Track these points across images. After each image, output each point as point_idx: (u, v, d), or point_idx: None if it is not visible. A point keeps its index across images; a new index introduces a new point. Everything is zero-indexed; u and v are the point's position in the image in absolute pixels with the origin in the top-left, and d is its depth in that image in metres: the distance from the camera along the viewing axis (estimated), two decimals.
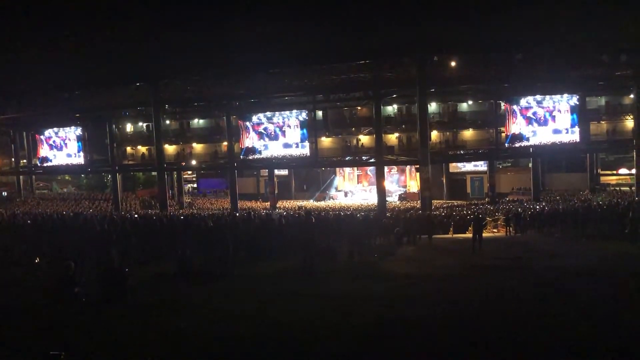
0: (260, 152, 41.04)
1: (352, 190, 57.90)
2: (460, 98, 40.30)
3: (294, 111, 40.12)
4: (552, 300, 10.58)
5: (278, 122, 40.35)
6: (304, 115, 39.91)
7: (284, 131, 40.24)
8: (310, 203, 51.06)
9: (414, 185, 54.38)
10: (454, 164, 52.23)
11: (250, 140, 41.12)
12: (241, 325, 8.96)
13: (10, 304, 10.26)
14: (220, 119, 45.05)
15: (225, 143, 44.05)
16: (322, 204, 49.78)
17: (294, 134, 40.09)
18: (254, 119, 40.86)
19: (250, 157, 41.79)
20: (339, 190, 58.40)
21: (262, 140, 40.87)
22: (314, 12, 26.89)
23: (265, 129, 40.63)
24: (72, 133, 46.55)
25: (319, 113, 41.12)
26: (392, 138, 41.38)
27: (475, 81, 37.36)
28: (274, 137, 40.49)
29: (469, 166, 52.39)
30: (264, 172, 54.83)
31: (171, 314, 9.77)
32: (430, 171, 36.19)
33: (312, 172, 56.83)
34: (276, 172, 53.89)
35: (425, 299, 10.82)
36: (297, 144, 39.96)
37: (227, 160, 43.87)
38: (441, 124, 40.67)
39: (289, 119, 40.11)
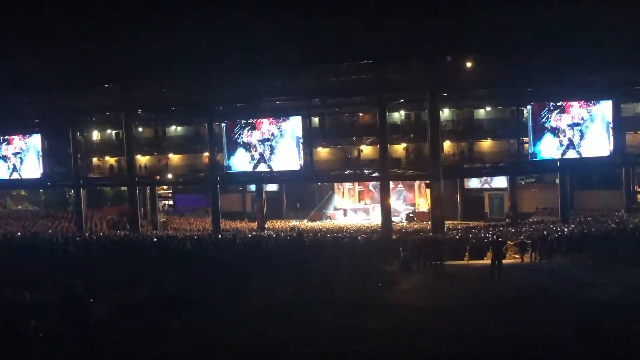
0: (247, 165, 41.18)
1: (352, 208, 57.89)
2: (477, 104, 40.53)
3: (287, 118, 40.39)
4: (584, 340, 10.49)
5: (268, 130, 40.53)
6: (298, 122, 40.16)
7: (275, 140, 40.43)
8: (304, 223, 50.97)
9: (423, 204, 54.38)
10: (469, 180, 52.37)
11: (235, 150, 41.32)
12: None
13: None
14: (201, 126, 45.12)
15: (206, 154, 44.08)
16: (317, 224, 49.69)
17: (286, 143, 40.30)
18: (241, 125, 41.06)
19: (236, 171, 41.90)
20: (338, 209, 58.30)
21: (249, 151, 41.04)
22: (309, 6, 27.26)
23: (253, 137, 40.81)
24: (29, 142, 46.59)
25: (315, 120, 41.21)
26: (399, 149, 41.52)
27: (494, 85, 37.57)
28: (263, 147, 40.67)
29: (486, 182, 52.57)
30: (251, 187, 54.71)
31: (142, 352, 9.72)
32: (443, 187, 36.26)
33: (307, 188, 56.73)
34: (265, 187, 53.84)
35: (432, 336, 10.75)
36: (289, 155, 40.16)
37: (208, 174, 43.82)
38: (455, 133, 40.85)
39: (280, 127, 40.32)
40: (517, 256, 25.24)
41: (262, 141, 40.78)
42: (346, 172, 44.91)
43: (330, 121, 42.37)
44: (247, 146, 41.14)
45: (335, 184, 58.13)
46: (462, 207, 52.22)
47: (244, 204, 59.03)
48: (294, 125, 40.29)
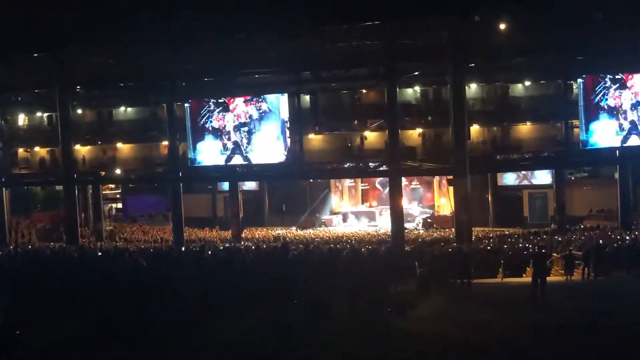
0: (218, 157, 41.17)
1: (354, 212, 57.93)
2: (513, 77, 40.54)
3: (269, 96, 40.35)
4: None
5: (245, 112, 40.44)
6: (283, 101, 40.11)
7: (254, 125, 40.37)
8: (292, 232, 51.01)
9: (445, 205, 54.48)
10: (504, 175, 52.46)
11: (203, 138, 41.30)
12: None
13: None
14: (158, 108, 45.02)
15: (165, 143, 44.00)
16: (309, 232, 49.76)
17: (268, 129, 40.25)
18: (210, 106, 41.00)
19: (203, 164, 41.89)
20: (335, 213, 58.34)
21: (220, 138, 40.96)
22: None
23: (226, 121, 40.72)
24: None
25: (306, 98, 41.26)
26: (414, 135, 41.55)
27: (535, 52, 37.64)
28: (239, 134, 40.58)
29: (526, 177, 52.71)
30: (224, 185, 54.66)
31: None
32: (470, 185, 36.26)
33: (295, 186, 56.79)
34: (242, 186, 53.74)
35: None
36: (272, 144, 40.13)
37: (168, 169, 43.75)
38: (485, 114, 40.88)
39: (260, 108, 40.26)
40: (565, 272, 25.26)
41: (238, 126, 40.78)
42: (346, 166, 44.92)
43: (325, 100, 42.46)
44: (218, 133, 41.14)
45: (332, 181, 58.21)
46: (494, 209, 52.34)
47: (214, 208, 58.99)
48: (278, 105, 40.28)
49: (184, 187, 44.15)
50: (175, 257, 23.08)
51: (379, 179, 56.68)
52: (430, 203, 57.63)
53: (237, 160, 41.21)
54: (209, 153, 41.52)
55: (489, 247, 30.75)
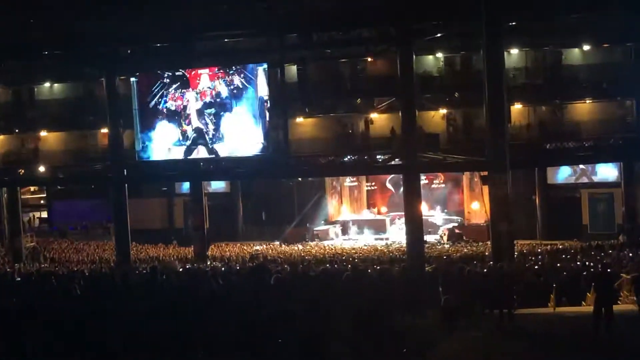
0: (175, 148, 41.16)
1: (356, 221, 57.97)
2: (567, 40, 40.61)
3: (244, 67, 40.34)
4: None
5: (211, 89, 40.38)
6: (261, 74, 40.11)
7: (223, 106, 40.35)
8: (275, 247, 51.02)
9: (478, 211, 54.47)
10: (556, 170, 52.54)
11: (155, 124, 41.29)
12: None
13: None
14: (95, 84, 44.92)
15: (104, 130, 43.88)
16: (298, 249, 49.79)
17: (242, 111, 40.25)
18: (164, 81, 41.03)
19: (156, 159, 41.90)
20: (332, 222, 58.37)
21: (179, 124, 40.96)
22: None
23: (186, 101, 40.67)
24: None
25: (292, 70, 41.14)
26: (436, 118, 41.58)
27: (596, 6, 37.55)
28: (204, 118, 40.53)
29: (585, 173, 52.75)
30: (184, 187, 54.59)
31: None
32: (511, 183, 36.25)
33: (279, 187, 56.88)
34: (208, 187, 53.63)
35: None
36: (247, 130, 40.17)
37: (108, 165, 43.63)
38: (531, 90, 40.91)
39: (232, 82, 40.23)
40: (638, 299, 25.27)
41: (201, 108, 40.81)
42: (346, 160, 44.87)
43: (317, 72, 42.48)
44: (175, 117, 41.23)
45: (328, 181, 58.22)
46: (543, 216, 52.45)
47: (170, 217, 58.95)
48: (255, 79, 40.25)
49: (129, 189, 44.15)
50: (118, 283, 23.00)
51: (389, 177, 56.73)
52: (458, 208, 57.80)
53: (201, 153, 41.21)
54: (163, 144, 41.54)
55: (536, 267, 30.79)
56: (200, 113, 40.77)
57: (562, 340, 18.94)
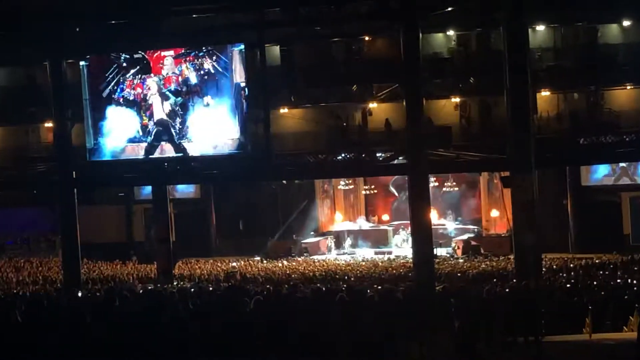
0: (134, 145, 41.14)
1: (353, 232, 58.00)
2: (604, 15, 40.67)
3: (216, 49, 40.37)
4: None
5: (177, 75, 40.35)
6: (238, 56, 40.12)
7: (192, 94, 40.34)
8: (255, 264, 50.99)
9: (498, 219, 54.57)
10: (591, 169, 52.57)
11: (110, 116, 41.26)
12: None
13: None
14: (37, 69, 44.82)
15: (49, 125, 43.78)
16: (283, 265, 49.71)
17: (214, 101, 40.26)
18: (120, 64, 40.97)
19: (111, 158, 41.83)
20: (324, 234, 58.40)
21: (139, 116, 40.99)
22: None
23: (147, 88, 40.65)
24: None
25: (275, 51, 41.27)
26: (448, 108, 41.49)
27: None
28: (169, 109, 40.51)
29: (626, 173, 52.77)
30: (145, 191, 54.53)
31: None
32: (538, 186, 36.31)
33: (260, 192, 56.93)
34: (174, 191, 53.57)
35: None
36: (221, 123, 40.17)
37: (54, 166, 43.52)
38: (561, 74, 40.96)
39: (202, 66, 40.21)
40: None
41: (166, 96, 40.80)
42: (339, 158, 44.84)
43: (305, 54, 42.57)
44: (134, 107, 41.24)
45: (318, 184, 58.25)
46: (576, 224, 52.56)
47: (129, 227, 58.83)
48: (230, 62, 40.32)
49: (79, 194, 43.78)
50: (65, 309, 22.91)
51: (393, 179, 56.70)
52: (474, 216, 57.94)
53: (166, 151, 41.20)
54: (119, 140, 41.52)
55: (568, 285, 30.76)
56: (164, 103, 40.68)
57: None
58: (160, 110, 40.65)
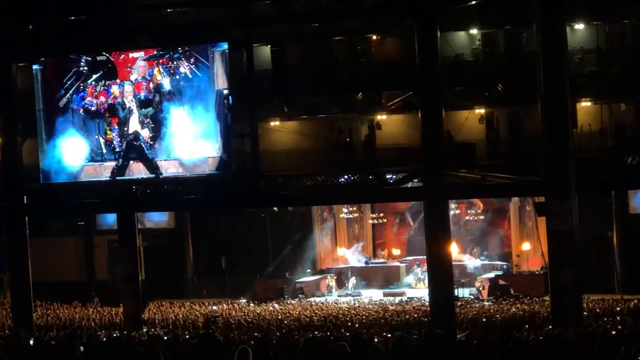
0: (96, 165, 40.90)
1: (358, 269, 57.86)
2: None
3: (194, 50, 40.29)
4: None
5: (147, 81, 40.24)
6: (220, 59, 39.98)
7: (165, 104, 40.19)
8: (241, 307, 50.73)
9: (530, 253, 54.41)
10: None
11: (67, 130, 41.07)
12: None
13: None
14: None
15: None
16: (273, 309, 49.44)
17: (191, 112, 40.08)
18: (80, 68, 40.82)
19: (68, 180, 41.69)
20: (323, 271, 58.28)
21: (102, 131, 40.76)
22: None
23: (113, 96, 40.54)
24: None
25: (264, 53, 41.20)
26: (471, 121, 41.43)
27: None
28: (137, 122, 40.35)
29: None
30: (108, 219, 54.37)
31: None
32: (578, 214, 36.10)
33: (246, 221, 56.81)
34: (145, 220, 53.41)
35: None
36: (199, 138, 39.95)
37: (1, 190, 43.34)
38: (605, 81, 40.90)
39: (176, 72, 40.07)
40: None
41: (135, 107, 40.74)
42: (342, 180, 44.65)
43: (300, 57, 42.57)
44: (97, 119, 41.17)
45: (315, 210, 58.09)
46: (623, 259, 52.39)
47: (90, 263, 58.69)
48: (211, 66, 40.29)
49: (31, 224, 43.80)
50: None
51: (409, 205, 56.57)
52: (502, 250, 57.84)
53: (134, 172, 41.06)
54: (78, 159, 41.38)
55: (614, 332, 30.45)
56: (132, 115, 40.57)
57: None
58: (128, 123, 40.53)
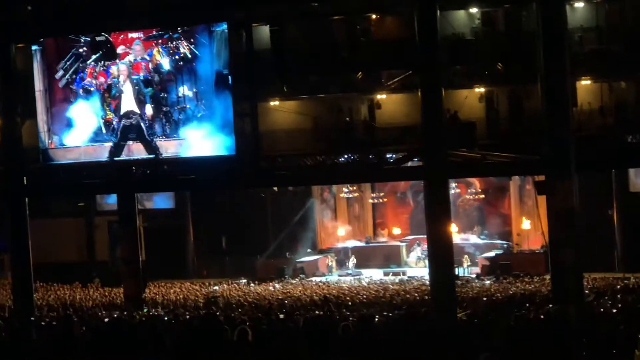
0: (96, 146, 40.95)
1: (358, 248, 57.88)
2: None
3: (192, 30, 40.25)
4: None
5: (147, 61, 40.18)
6: (219, 39, 39.94)
7: (165, 84, 40.20)
8: (241, 287, 50.87)
9: (531, 233, 54.49)
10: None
11: (69, 110, 41.14)
12: None
13: None
14: None
15: None
16: (275, 289, 49.71)
17: (191, 92, 40.11)
18: (80, 49, 40.81)
19: (70, 161, 41.74)
20: (323, 251, 58.27)
21: (102, 109, 40.84)
22: None
23: (112, 77, 40.50)
24: None
25: (264, 32, 41.23)
26: (471, 100, 41.39)
27: None
28: (136, 103, 40.30)
29: None
30: (109, 200, 54.40)
31: None
32: (578, 193, 36.08)
33: (246, 201, 56.86)
34: (145, 202, 53.41)
35: None
36: (199, 120, 39.97)
37: (1, 172, 43.32)
38: (605, 58, 40.82)
39: (176, 52, 40.04)
40: None
41: (134, 87, 40.78)
42: (342, 160, 44.65)
43: (299, 36, 42.49)
44: (97, 100, 41.15)
45: (316, 190, 58.13)
46: (624, 238, 52.39)
47: (91, 244, 58.71)
48: (210, 46, 40.30)
49: (32, 205, 43.81)
50: (16, 339, 22.72)
51: (409, 184, 56.56)
52: (503, 229, 57.86)
53: (134, 152, 41.07)
54: (78, 139, 41.44)
55: (614, 310, 30.50)
56: (132, 95, 40.50)
57: None
58: (127, 103, 40.43)
